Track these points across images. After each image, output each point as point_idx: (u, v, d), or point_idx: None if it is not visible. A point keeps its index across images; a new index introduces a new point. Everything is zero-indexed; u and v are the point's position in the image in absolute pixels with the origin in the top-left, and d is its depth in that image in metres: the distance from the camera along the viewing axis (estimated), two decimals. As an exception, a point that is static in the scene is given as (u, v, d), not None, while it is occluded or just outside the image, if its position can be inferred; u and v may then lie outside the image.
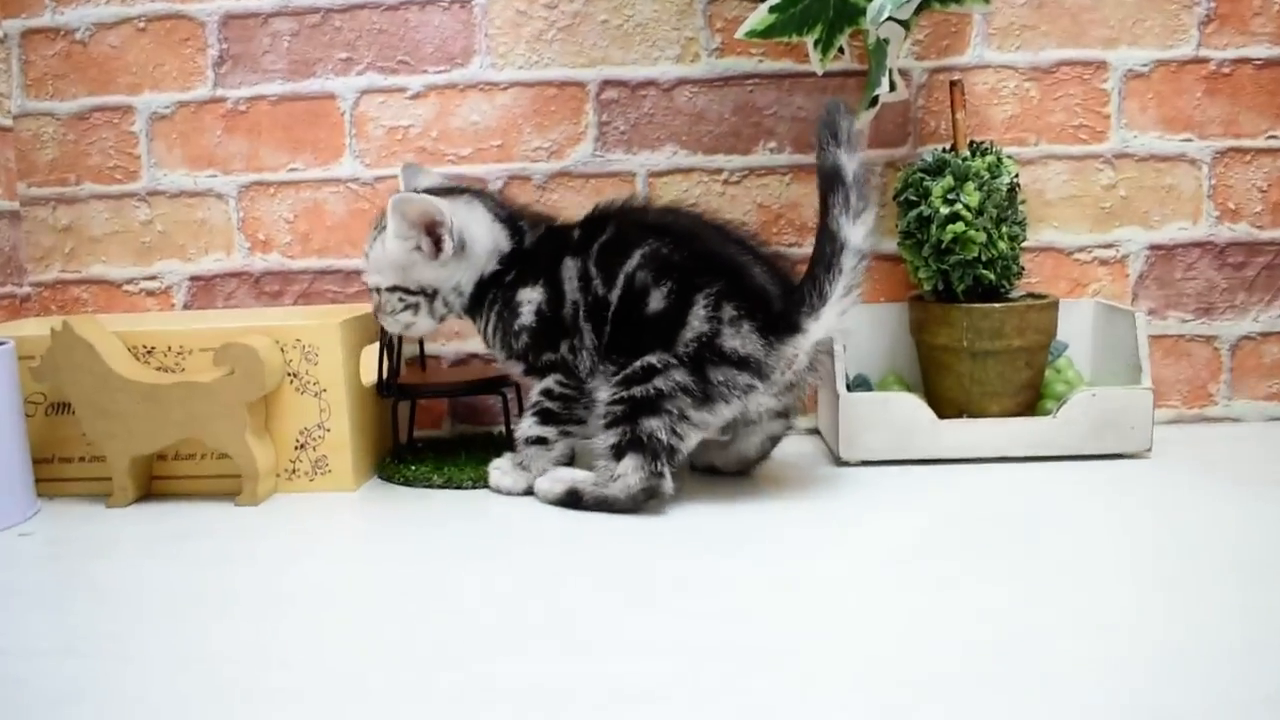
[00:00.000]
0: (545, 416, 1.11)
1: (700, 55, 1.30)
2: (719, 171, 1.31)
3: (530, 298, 1.10)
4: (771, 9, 1.11)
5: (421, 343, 1.32)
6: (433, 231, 1.09)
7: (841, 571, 0.86)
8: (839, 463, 1.17)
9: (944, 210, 1.13)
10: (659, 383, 1.01)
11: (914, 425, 1.14)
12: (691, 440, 1.04)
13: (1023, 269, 1.19)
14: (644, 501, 1.02)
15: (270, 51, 1.34)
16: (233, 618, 0.81)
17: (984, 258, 1.14)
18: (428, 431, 1.36)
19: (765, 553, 0.91)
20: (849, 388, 1.17)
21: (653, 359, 1.02)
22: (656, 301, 1.03)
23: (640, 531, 0.97)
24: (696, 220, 1.12)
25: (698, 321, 1.01)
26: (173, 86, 1.36)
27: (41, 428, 1.17)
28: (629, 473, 1.02)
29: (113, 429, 1.10)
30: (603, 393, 1.05)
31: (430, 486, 1.14)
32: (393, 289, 1.11)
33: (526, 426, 1.11)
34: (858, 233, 1.00)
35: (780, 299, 1.03)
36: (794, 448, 1.26)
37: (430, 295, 1.11)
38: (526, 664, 0.70)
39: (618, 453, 1.02)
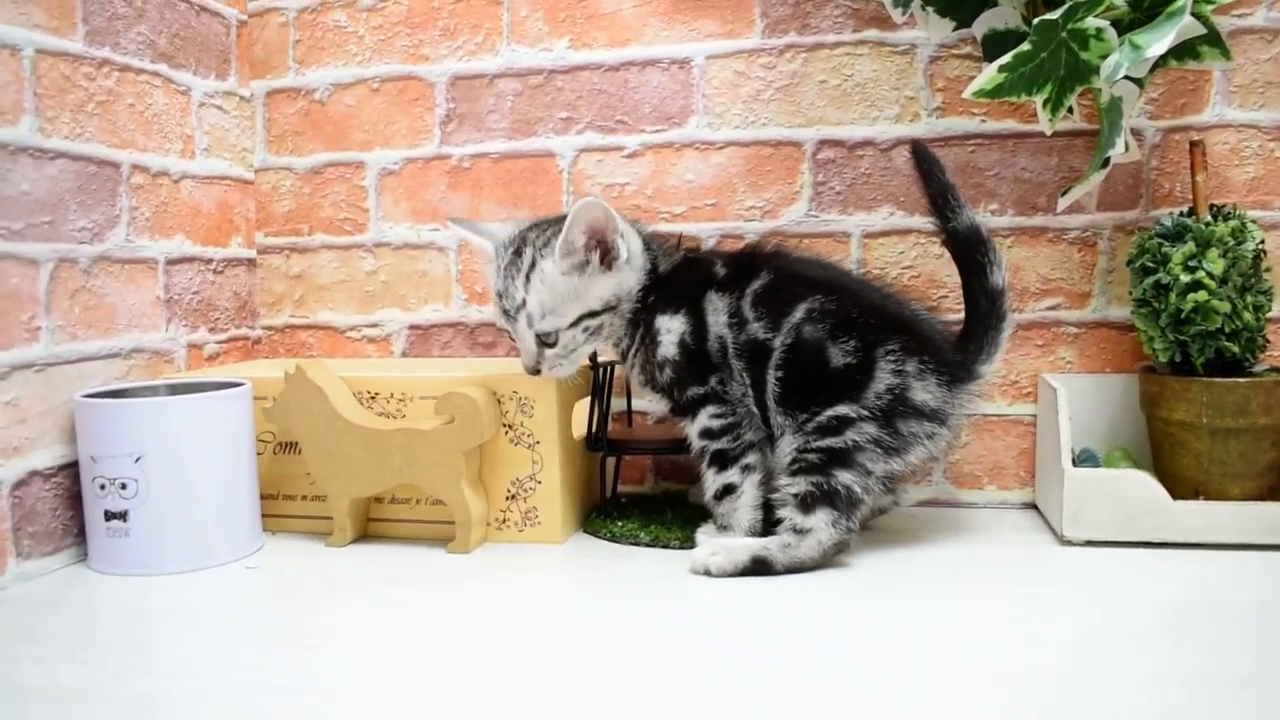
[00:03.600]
0: (719, 460, 1.09)
1: (920, 115, 1.27)
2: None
3: (670, 326, 1.09)
4: (1001, 68, 1.07)
5: (629, 399, 1.33)
6: (603, 241, 1.07)
7: (1062, 661, 0.81)
8: (1062, 541, 1.11)
9: (1184, 278, 1.06)
10: (852, 435, 1.02)
11: (1146, 505, 1.07)
12: (874, 493, 1.05)
13: (1268, 341, 1.11)
14: (834, 556, 1.04)
15: (494, 111, 1.39)
16: (441, 664, 0.82)
17: (1227, 329, 1.07)
18: (631, 487, 1.37)
19: (980, 635, 0.86)
20: (1075, 462, 1.11)
21: (845, 410, 1.03)
22: (838, 357, 1.04)
23: (847, 604, 0.94)
24: (847, 274, 1.15)
25: (885, 375, 1.03)
26: (402, 144, 1.42)
27: (270, 465, 1.22)
28: (821, 528, 1.01)
29: (336, 470, 1.15)
30: (789, 439, 1.05)
31: (637, 544, 1.14)
32: (577, 321, 1.08)
33: (709, 481, 1.10)
34: (1005, 277, 1.08)
35: (952, 349, 1.07)
36: (1010, 522, 1.21)
37: (614, 307, 1.09)
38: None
39: (807, 504, 1.02)
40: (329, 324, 1.48)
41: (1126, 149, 1.12)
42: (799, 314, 1.06)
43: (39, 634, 0.91)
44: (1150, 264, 1.11)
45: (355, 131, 1.44)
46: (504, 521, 1.16)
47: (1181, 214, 1.13)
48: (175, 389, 1.18)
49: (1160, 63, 1.10)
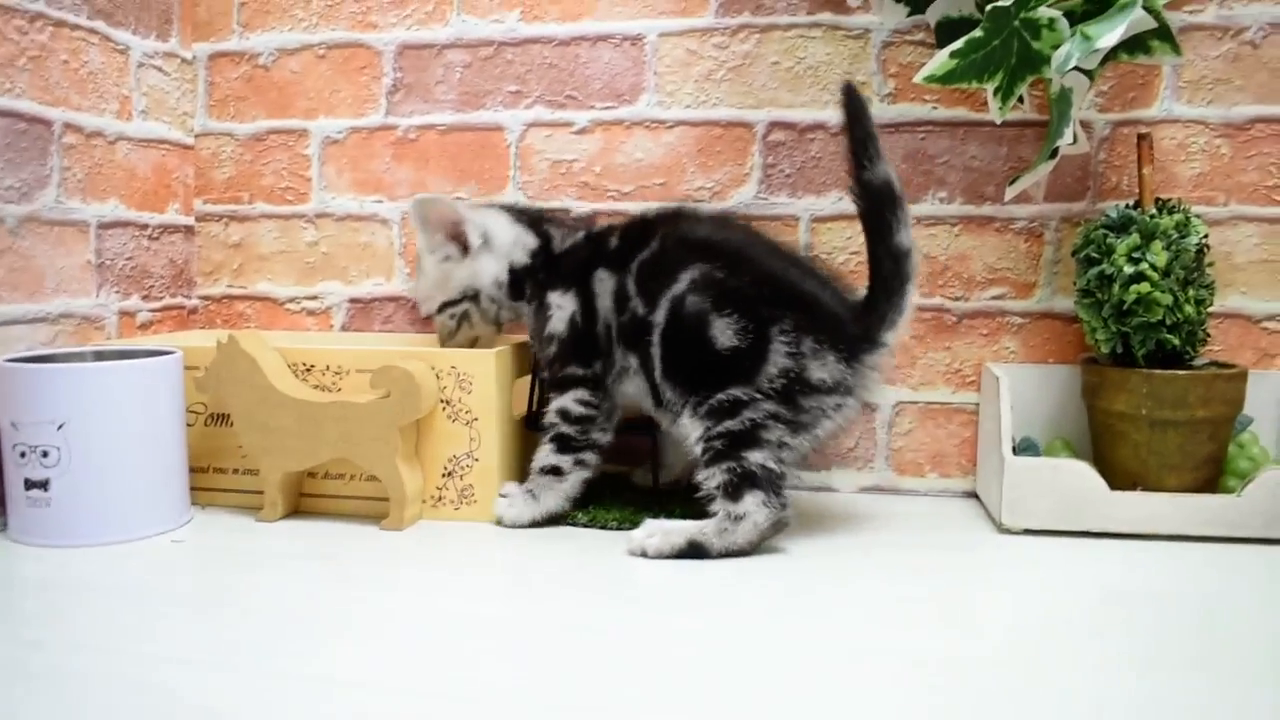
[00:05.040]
0: (561, 444, 1.11)
1: (872, 100, 1.27)
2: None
3: (560, 303, 1.12)
4: (952, 54, 1.07)
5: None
6: (456, 232, 1.15)
7: (993, 648, 0.81)
8: (1001, 529, 1.11)
9: (1128, 269, 1.07)
10: (749, 414, 1.01)
11: (1085, 495, 1.08)
12: (793, 464, 1.05)
13: (1208, 335, 1.12)
14: (771, 536, 1.02)
15: (443, 82, 1.36)
16: (371, 642, 0.80)
17: (1168, 321, 1.07)
18: (571, 467, 1.35)
19: (915, 620, 0.86)
20: (1015, 451, 1.11)
21: (737, 392, 1.02)
22: (726, 337, 1.02)
23: (784, 588, 0.94)
24: (747, 238, 1.11)
25: (780, 359, 1.01)
26: (347, 113, 1.39)
27: (200, 437, 1.19)
28: (753, 510, 1.00)
29: (268, 444, 1.12)
30: (689, 423, 1.04)
31: (575, 525, 1.12)
32: (441, 308, 1.18)
33: (543, 455, 1.12)
34: (911, 237, 1.05)
35: (853, 320, 1.05)
36: (951, 510, 1.21)
37: (473, 296, 1.17)
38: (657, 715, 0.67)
39: (733, 491, 1.00)
40: (268, 295, 1.45)
41: (1075, 140, 1.13)
42: (683, 284, 1.05)
43: (-50, 604, 0.88)
44: (1095, 255, 1.11)
45: (299, 98, 1.41)
46: (439, 499, 1.14)
47: (1127, 206, 1.13)
48: (103, 355, 1.15)
49: (1111, 56, 1.10)
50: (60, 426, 1.02)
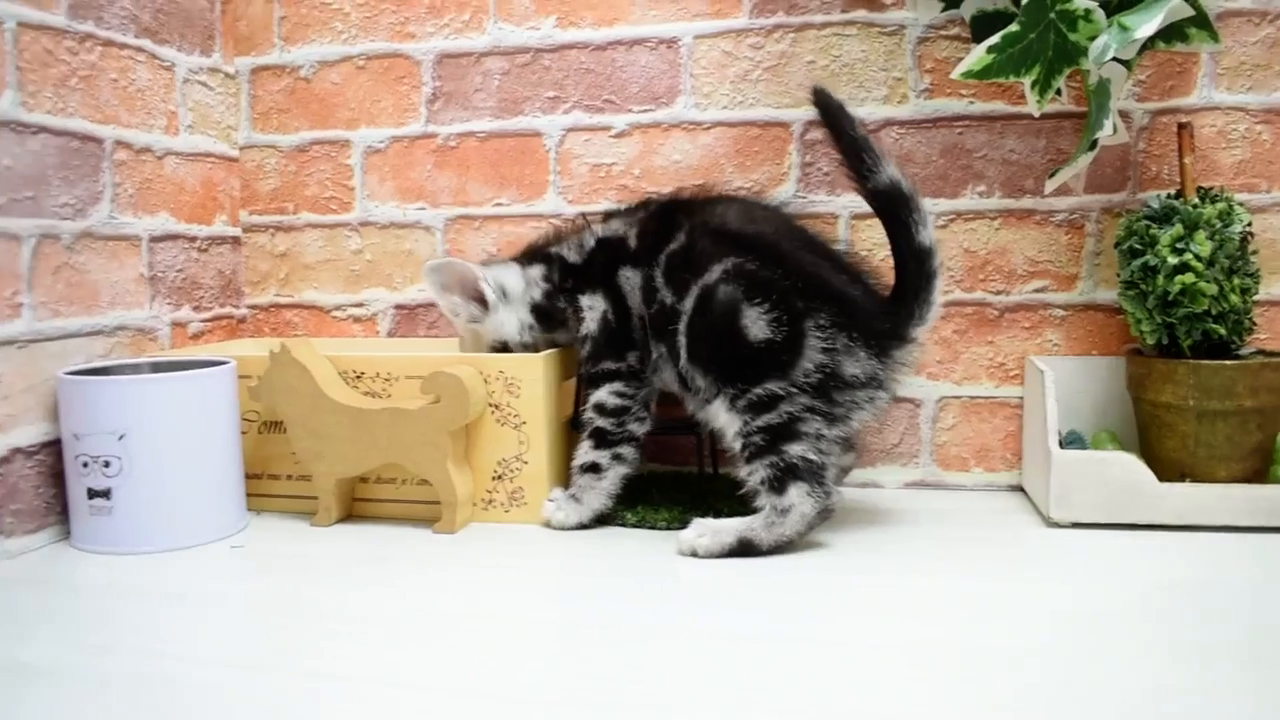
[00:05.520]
0: (598, 439, 1.12)
1: (909, 96, 1.27)
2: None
3: (591, 304, 1.14)
4: (989, 49, 1.07)
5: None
6: (474, 291, 1.18)
7: (1049, 640, 0.81)
8: (1049, 523, 1.11)
9: (1172, 260, 1.06)
10: (787, 408, 1.02)
11: (1133, 487, 1.07)
12: (834, 454, 1.05)
13: (1254, 324, 1.12)
14: (819, 524, 1.03)
15: (481, 90, 1.38)
16: (427, 644, 0.81)
17: (1214, 311, 1.07)
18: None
19: (969, 615, 0.86)
20: (1061, 444, 1.11)
21: (774, 387, 1.02)
22: (758, 328, 1.03)
23: (833, 584, 0.94)
24: (778, 228, 1.10)
25: (815, 354, 1.02)
26: (388, 122, 1.41)
27: (255, 444, 1.21)
28: (799, 501, 1.01)
29: (321, 450, 1.14)
30: (724, 419, 1.05)
31: (624, 525, 1.14)
32: None
33: (582, 452, 1.13)
34: (932, 235, 1.05)
35: (882, 316, 1.05)
36: (997, 504, 1.21)
37: (503, 348, 1.19)
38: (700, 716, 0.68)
39: (778, 485, 1.02)
40: (314, 303, 1.47)
41: (1114, 131, 1.13)
42: (714, 274, 1.05)
43: (20, 612, 0.90)
44: (1138, 246, 1.11)
45: (341, 109, 1.43)
46: (490, 502, 1.16)
47: (1169, 196, 1.13)
48: (159, 367, 1.17)
49: (1148, 45, 1.10)
50: (121, 437, 1.04)
